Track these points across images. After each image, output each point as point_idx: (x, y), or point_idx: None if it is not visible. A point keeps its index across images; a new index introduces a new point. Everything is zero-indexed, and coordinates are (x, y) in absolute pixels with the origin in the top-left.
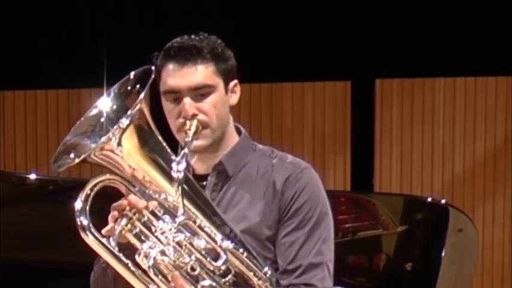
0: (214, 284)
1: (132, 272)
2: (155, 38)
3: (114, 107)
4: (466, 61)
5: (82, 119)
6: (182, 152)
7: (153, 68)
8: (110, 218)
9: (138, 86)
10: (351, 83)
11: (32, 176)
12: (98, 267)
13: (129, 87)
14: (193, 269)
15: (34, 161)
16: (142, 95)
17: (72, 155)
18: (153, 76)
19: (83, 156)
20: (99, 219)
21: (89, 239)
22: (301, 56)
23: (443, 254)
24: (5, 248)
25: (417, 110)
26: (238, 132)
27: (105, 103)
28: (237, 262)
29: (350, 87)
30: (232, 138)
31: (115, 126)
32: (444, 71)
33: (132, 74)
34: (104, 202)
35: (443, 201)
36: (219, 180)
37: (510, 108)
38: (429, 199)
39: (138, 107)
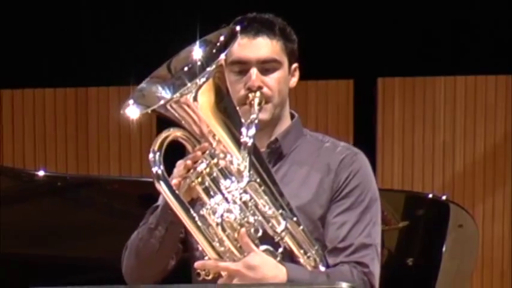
0: (271, 249)
1: (198, 226)
2: (159, 41)
3: (198, 58)
4: (466, 60)
5: (163, 65)
6: (251, 118)
7: (238, 29)
8: (178, 170)
9: (221, 45)
10: (353, 82)
11: (41, 173)
12: (144, 229)
13: (215, 46)
14: (257, 230)
15: (43, 159)
16: (222, 55)
17: (142, 104)
18: (237, 38)
19: (156, 105)
20: None
21: (162, 188)
22: (304, 55)
23: (444, 249)
24: (14, 243)
25: (418, 108)
26: (292, 117)
27: (191, 54)
28: (289, 236)
29: (352, 86)
30: (287, 120)
31: (193, 81)
32: (445, 69)
33: (221, 32)
34: None
35: (444, 197)
36: (272, 158)
37: (510, 106)
38: (430, 195)
39: (217, 65)
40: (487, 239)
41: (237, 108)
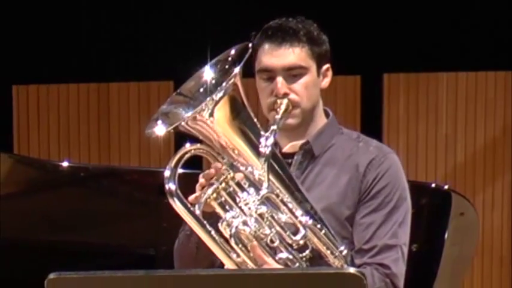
0: (291, 257)
1: (214, 239)
2: (176, 40)
3: (211, 79)
4: (467, 57)
5: (179, 90)
6: (271, 128)
7: (250, 45)
8: (197, 186)
9: (234, 60)
10: (360, 78)
11: (65, 164)
12: (183, 235)
13: (227, 62)
14: (272, 241)
15: (67, 151)
16: (237, 70)
17: (165, 123)
18: (249, 52)
19: (175, 125)
20: None
21: (176, 205)
22: None
23: (446, 235)
24: (39, 230)
25: (422, 103)
26: (327, 115)
27: (202, 75)
28: (315, 239)
29: (359, 82)
30: (321, 120)
31: (208, 98)
32: (447, 66)
33: (232, 49)
34: None
35: (446, 186)
36: (305, 159)
37: (508, 101)
38: (433, 185)
39: (232, 80)
40: (487, 226)
41: (255, 119)
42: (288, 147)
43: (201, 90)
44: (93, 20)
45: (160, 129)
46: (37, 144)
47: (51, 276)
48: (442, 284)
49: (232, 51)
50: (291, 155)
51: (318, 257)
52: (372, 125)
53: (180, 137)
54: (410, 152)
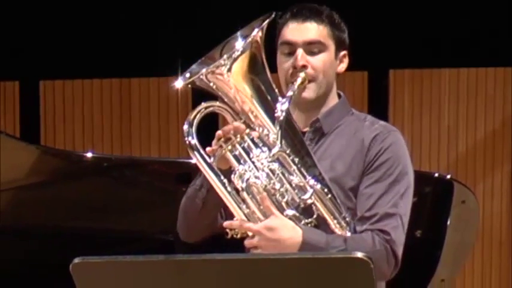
0: (297, 214)
1: (227, 189)
2: (195, 36)
3: (238, 45)
4: (469, 54)
5: (207, 54)
6: (288, 94)
7: (274, 13)
8: (214, 140)
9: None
10: (367, 73)
11: (89, 155)
12: (192, 189)
13: (252, 28)
14: (282, 195)
15: (91, 142)
16: (256, 30)
17: (186, 75)
18: (272, 17)
19: (195, 77)
20: None
21: (195, 156)
22: None
23: (448, 222)
24: (64, 217)
25: (426, 97)
26: (339, 96)
27: (229, 42)
28: (320, 202)
29: (367, 77)
30: (333, 101)
31: (227, 54)
32: (449, 62)
33: (260, 18)
34: None
35: (448, 176)
36: (315, 136)
37: (507, 96)
38: (436, 174)
39: (251, 39)
40: (487, 213)
41: (273, 83)
42: (300, 124)
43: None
44: (115, 18)
45: (179, 82)
46: (63, 137)
47: (76, 260)
48: (444, 268)
49: (258, 23)
50: (303, 133)
51: (322, 223)
52: (378, 117)
53: (199, 127)
54: (415, 143)
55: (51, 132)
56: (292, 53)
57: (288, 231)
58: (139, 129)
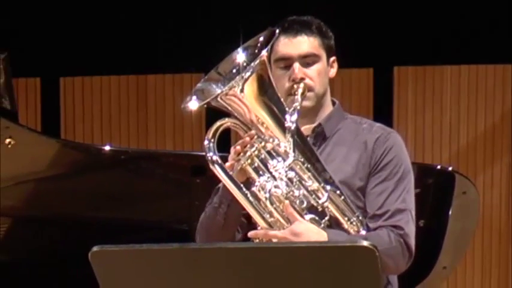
0: (316, 218)
1: (250, 201)
2: (207, 36)
3: (243, 62)
4: (469, 51)
5: (213, 70)
6: (294, 106)
7: (277, 30)
8: (231, 155)
9: (262, 44)
10: (372, 70)
11: (107, 148)
12: (210, 208)
13: (256, 47)
14: (301, 201)
15: (109, 136)
16: (264, 51)
17: (200, 98)
18: (276, 36)
19: (209, 99)
20: None
21: (217, 171)
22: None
23: (450, 212)
24: (84, 207)
25: (428, 93)
26: (333, 103)
27: (234, 57)
28: (333, 206)
29: (372, 74)
30: (329, 107)
31: (239, 76)
32: (451, 60)
33: (260, 35)
34: None
35: (450, 168)
36: (317, 140)
37: (507, 91)
38: (438, 167)
39: (259, 60)
40: (487, 203)
41: (282, 98)
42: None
43: (234, 70)
44: (133, 17)
45: (195, 104)
46: (82, 131)
47: (95, 249)
48: (446, 256)
49: (261, 38)
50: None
51: (334, 224)
52: (383, 113)
53: (211, 121)
54: (418, 137)
55: (71, 127)
56: (288, 67)
57: (313, 235)
58: (154, 123)
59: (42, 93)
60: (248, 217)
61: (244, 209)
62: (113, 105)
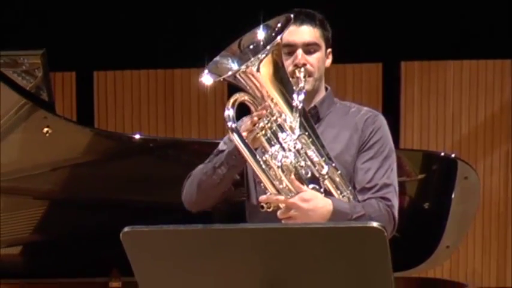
0: (317, 187)
1: (262, 168)
2: (230, 30)
3: (261, 40)
4: (471, 48)
5: (232, 44)
6: (300, 86)
7: (292, 16)
8: (247, 125)
9: (279, 29)
10: (382, 65)
11: (137, 136)
12: (209, 166)
13: (273, 29)
14: (306, 172)
15: (138, 125)
16: (279, 36)
17: (216, 74)
18: (291, 22)
19: (228, 74)
20: None
21: (235, 138)
22: (344, 43)
23: (452, 196)
24: (115, 191)
25: (433, 86)
26: (325, 89)
27: (254, 35)
28: (329, 179)
29: (381, 68)
30: (322, 92)
31: (255, 56)
32: (454, 55)
33: (280, 17)
34: None
35: (452, 155)
36: (312, 120)
37: (505, 84)
38: (442, 153)
39: (274, 44)
40: (487, 187)
41: (290, 78)
42: None
43: (251, 47)
44: (162, 16)
45: (209, 79)
46: (114, 120)
47: (126, 229)
48: (449, 236)
49: (279, 21)
50: None
51: (328, 195)
52: (391, 104)
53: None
54: (423, 127)
55: (103, 117)
56: (292, 52)
57: (321, 201)
58: (181, 113)
59: (77, 86)
60: (236, 185)
61: (239, 175)
62: (142, 97)
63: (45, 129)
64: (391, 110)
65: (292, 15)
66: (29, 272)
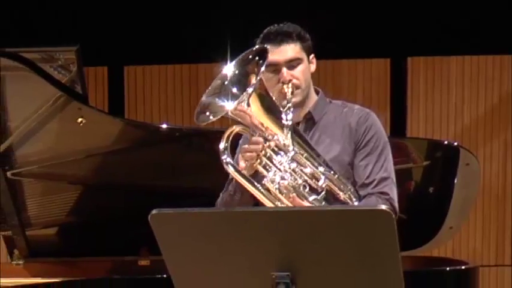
0: (318, 197)
1: (262, 192)
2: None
3: (237, 72)
4: (472, 44)
5: (210, 87)
6: (287, 106)
7: (268, 47)
8: (242, 156)
9: (257, 58)
10: (390, 60)
11: (164, 126)
12: (226, 194)
13: (249, 58)
14: (304, 187)
15: (165, 116)
16: (262, 68)
17: (211, 114)
18: (268, 53)
19: (221, 114)
20: None
21: (231, 171)
22: (354, 41)
23: (455, 181)
24: (143, 176)
25: (437, 80)
26: (317, 92)
27: (229, 70)
28: (331, 184)
29: (389, 64)
30: (314, 96)
31: (245, 92)
32: (457, 51)
33: (252, 49)
34: None
35: (455, 143)
36: (308, 125)
37: (503, 78)
38: (445, 142)
39: (259, 77)
40: (487, 173)
41: (275, 100)
42: (294, 119)
43: (229, 85)
44: (188, 14)
45: (208, 118)
46: (143, 111)
47: (154, 212)
48: (452, 218)
49: (252, 53)
50: (297, 124)
51: (331, 196)
52: (399, 97)
53: None
54: (428, 117)
55: (133, 108)
56: (277, 71)
57: None
58: None
59: (108, 80)
60: (256, 204)
61: (254, 197)
62: (169, 90)
63: (79, 120)
64: (399, 102)
65: (267, 47)
66: (64, 251)
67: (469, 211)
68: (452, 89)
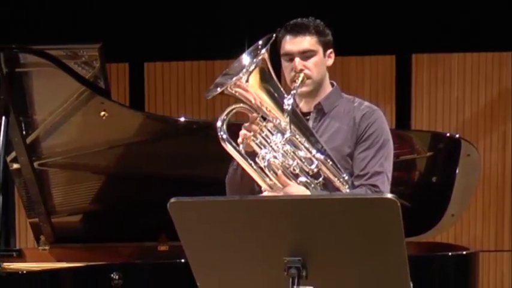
0: (308, 180)
1: (253, 168)
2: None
3: (248, 57)
4: (472, 42)
5: (227, 69)
6: (292, 92)
7: (274, 34)
8: (241, 132)
9: (262, 45)
10: (395, 57)
11: (182, 119)
12: (231, 169)
13: (259, 45)
14: (294, 169)
15: (183, 109)
16: (264, 50)
17: (217, 87)
18: (273, 38)
19: (222, 89)
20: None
21: (227, 147)
22: (362, 39)
23: (456, 171)
24: (162, 166)
25: (440, 75)
26: (332, 85)
27: (241, 59)
28: (325, 169)
29: (394, 60)
30: (328, 88)
31: (244, 69)
32: (458, 48)
33: (259, 41)
34: None
35: (457, 135)
36: (318, 115)
37: (503, 74)
38: (448, 134)
39: (261, 56)
40: (486, 163)
41: (280, 86)
42: (305, 108)
43: (239, 67)
44: (205, 13)
45: (213, 93)
46: (162, 105)
47: (172, 200)
48: (454, 206)
49: (260, 42)
50: (308, 114)
51: (328, 182)
52: (404, 92)
53: None
54: (432, 111)
55: (153, 102)
56: (291, 60)
57: (301, 193)
58: (220, 99)
59: (130, 76)
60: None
61: None
62: (187, 85)
63: (102, 113)
64: (404, 96)
65: (274, 35)
66: (87, 237)
67: (469, 199)
68: (454, 84)
